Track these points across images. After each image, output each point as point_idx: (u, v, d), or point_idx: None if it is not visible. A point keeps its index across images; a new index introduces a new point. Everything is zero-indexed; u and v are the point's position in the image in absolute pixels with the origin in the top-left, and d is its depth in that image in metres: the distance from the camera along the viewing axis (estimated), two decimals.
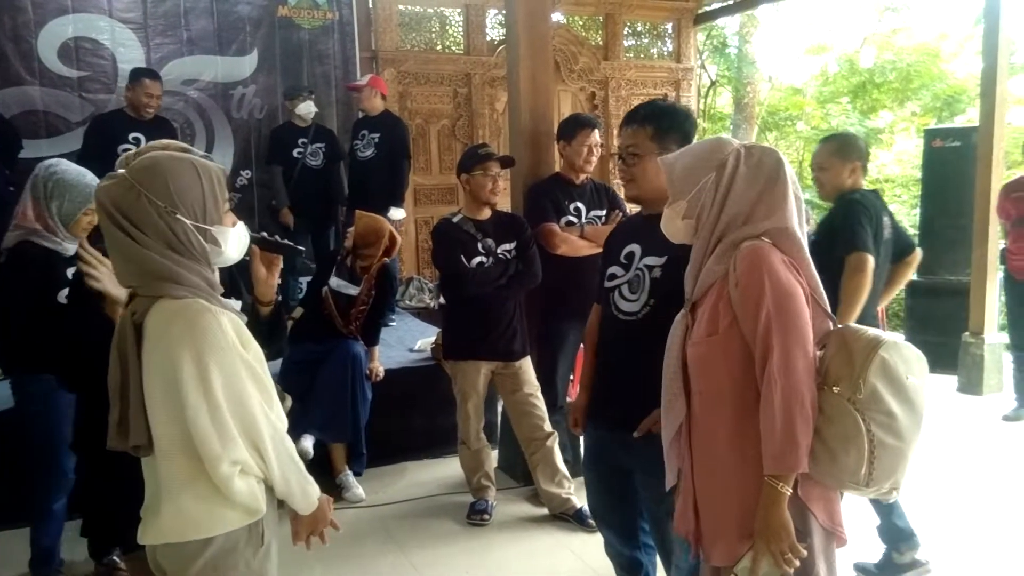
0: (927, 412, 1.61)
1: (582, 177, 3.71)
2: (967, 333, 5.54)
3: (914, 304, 6.38)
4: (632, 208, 3.40)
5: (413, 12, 7.01)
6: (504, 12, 5.74)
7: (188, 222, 1.54)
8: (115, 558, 2.79)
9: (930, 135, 6.48)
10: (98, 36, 5.56)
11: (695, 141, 1.94)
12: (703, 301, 1.73)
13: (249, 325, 1.79)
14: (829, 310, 1.73)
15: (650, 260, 2.18)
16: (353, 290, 3.90)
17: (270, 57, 6.07)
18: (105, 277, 2.05)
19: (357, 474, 3.95)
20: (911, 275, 3.61)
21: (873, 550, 3.00)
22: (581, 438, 2.69)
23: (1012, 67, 6.79)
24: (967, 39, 12.14)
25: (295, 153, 5.47)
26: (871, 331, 1.62)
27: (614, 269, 2.28)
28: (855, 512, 1.69)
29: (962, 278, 5.78)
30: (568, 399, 4.00)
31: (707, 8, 8.14)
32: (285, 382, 3.81)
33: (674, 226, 1.80)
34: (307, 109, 5.46)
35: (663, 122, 2.20)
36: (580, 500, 3.42)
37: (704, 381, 1.71)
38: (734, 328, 1.65)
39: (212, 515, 1.54)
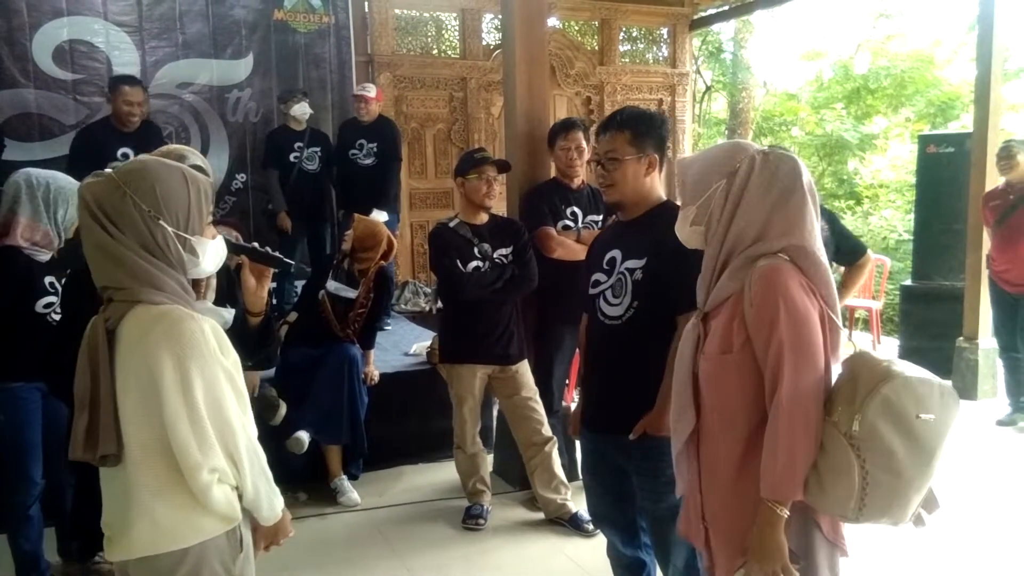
0: (943, 447, 1.52)
1: (578, 181, 3.72)
2: (961, 338, 5.55)
3: (908, 309, 6.40)
4: None
5: (409, 16, 7.02)
6: (500, 16, 5.75)
7: (170, 229, 1.53)
8: (99, 559, 2.77)
9: (924, 141, 6.49)
10: (93, 39, 5.53)
11: (716, 145, 1.91)
12: (716, 314, 1.69)
13: (239, 335, 1.79)
14: (843, 329, 1.68)
15: (630, 263, 2.20)
16: (351, 293, 3.89)
17: (266, 61, 6.06)
18: None
19: (353, 478, 3.95)
20: (864, 277, 3.65)
21: (878, 556, 3.02)
22: (577, 442, 2.70)
23: (1006, 73, 6.83)
24: (961, 45, 12.22)
25: (291, 157, 5.45)
26: (884, 363, 1.52)
27: (598, 275, 2.30)
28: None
29: (956, 283, 5.79)
30: (564, 403, 4.00)
31: (702, 14, 8.17)
32: (281, 385, 3.83)
33: (683, 232, 1.78)
34: (302, 111, 5.44)
35: (640, 126, 2.24)
36: (576, 505, 3.41)
37: (716, 397, 1.69)
38: (748, 347, 1.61)
39: (188, 524, 1.51)
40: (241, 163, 6.03)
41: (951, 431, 1.53)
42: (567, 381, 3.98)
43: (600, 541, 2.52)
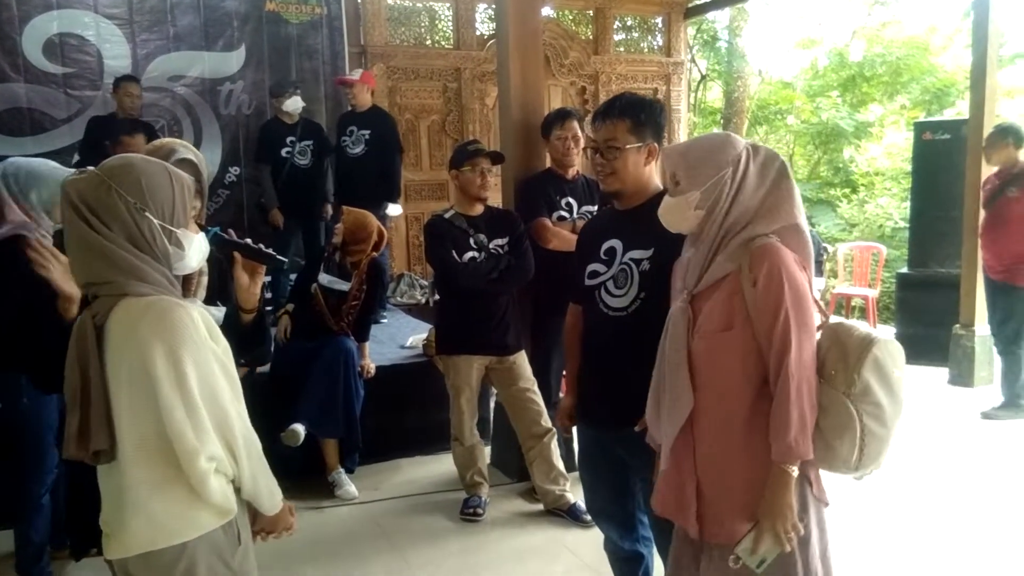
0: (909, 401, 1.75)
1: (573, 172, 3.70)
2: (958, 325, 5.55)
3: (904, 297, 6.41)
4: None
5: (402, 7, 6.97)
6: (494, 6, 5.72)
7: (156, 221, 1.54)
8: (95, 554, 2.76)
9: (920, 128, 6.49)
10: (83, 32, 5.48)
11: (704, 135, 1.95)
12: (708, 295, 1.76)
13: (232, 331, 1.78)
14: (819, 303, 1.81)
15: (636, 253, 2.18)
16: (344, 286, 3.88)
17: (258, 52, 6.01)
18: (56, 271, 2.04)
19: (350, 471, 3.94)
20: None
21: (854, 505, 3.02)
22: (575, 434, 2.68)
23: (1001, 59, 6.81)
24: (956, 32, 12.20)
25: (283, 152, 5.42)
26: (863, 328, 1.74)
27: (595, 266, 2.27)
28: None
29: (952, 270, 5.79)
30: (562, 394, 3.99)
31: (697, 2, 8.14)
32: (277, 379, 3.81)
33: (679, 215, 1.81)
34: (294, 105, 5.41)
35: (640, 114, 2.21)
36: (575, 496, 3.41)
37: (714, 375, 1.75)
38: (747, 323, 1.70)
39: (184, 519, 1.51)
40: (234, 156, 5.99)
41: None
42: (564, 372, 3.97)
43: (599, 531, 2.51)
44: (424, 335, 4.51)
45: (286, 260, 2.02)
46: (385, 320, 5.55)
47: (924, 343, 5.64)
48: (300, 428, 3.65)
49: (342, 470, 3.87)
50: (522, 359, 3.52)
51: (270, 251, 1.92)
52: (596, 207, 3.69)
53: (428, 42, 7.12)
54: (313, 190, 5.56)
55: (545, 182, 3.69)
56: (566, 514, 3.46)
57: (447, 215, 3.46)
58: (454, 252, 3.35)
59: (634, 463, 2.21)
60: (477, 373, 3.49)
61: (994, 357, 5.27)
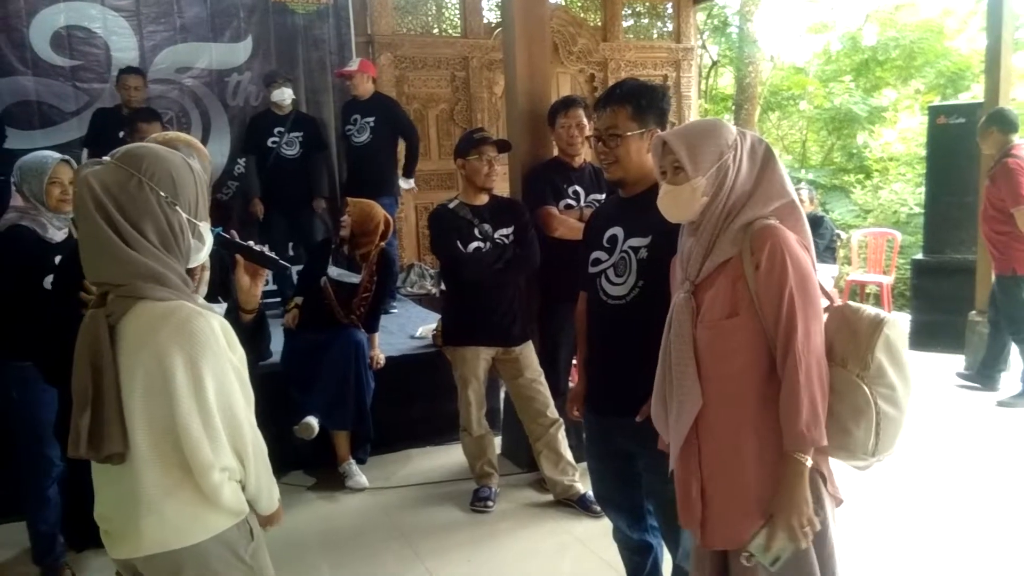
0: (924, 388, 1.70)
1: (579, 160, 3.67)
2: (974, 312, 5.48)
3: (920, 283, 6.34)
4: None
5: None
6: None
7: (184, 215, 1.51)
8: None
9: (934, 112, 6.39)
10: (90, 24, 5.47)
11: (695, 121, 1.91)
12: (711, 283, 1.71)
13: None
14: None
15: (634, 241, 2.16)
16: (355, 278, 3.87)
17: (264, 43, 5.96)
18: None
19: (361, 462, 3.94)
20: None
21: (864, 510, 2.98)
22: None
23: (1016, 42, 6.70)
24: (971, 15, 12.01)
25: (269, 142, 5.42)
26: (870, 309, 1.69)
27: (598, 254, 2.25)
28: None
29: (968, 256, 5.72)
30: (571, 383, 3.97)
31: None
32: (288, 370, 3.81)
33: (687, 205, 1.74)
34: (281, 96, 5.40)
35: (642, 100, 2.18)
36: (585, 486, 3.39)
37: (720, 365, 1.70)
38: (752, 308, 1.65)
39: (197, 521, 1.50)
40: (242, 147, 5.96)
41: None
42: (573, 361, 3.95)
43: (609, 522, 2.49)
44: (434, 325, 4.50)
45: (289, 266, 2.01)
46: (395, 310, 5.54)
47: (940, 330, 5.58)
48: (314, 421, 3.66)
49: (353, 461, 3.87)
50: (528, 350, 3.50)
51: (273, 255, 1.89)
52: (604, 195, 3.66)
53: (435, 31, 7.07)
54: (300, 182, 5.53)
55: (552, 170, 3.67)
56: (576, 504, 3.45)
57: (451, 205, 3.43)
58: (459, 242, 3.33)
59: (637, 451, 2.19)
60: (484, 364, 3.47)
61: (1011, 344, 5.20)
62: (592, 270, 2.26)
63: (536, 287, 3.71)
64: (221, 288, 2.10)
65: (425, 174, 6.80)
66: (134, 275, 1.44)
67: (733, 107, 12.79)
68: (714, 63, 13.21)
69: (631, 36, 7.83)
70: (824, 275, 6.60)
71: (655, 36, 7.99)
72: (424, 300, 6.05)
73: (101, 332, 1.44)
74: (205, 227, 1.58)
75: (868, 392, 1.60)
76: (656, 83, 2.28)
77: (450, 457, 4.06)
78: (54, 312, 1.94)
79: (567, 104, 3.64)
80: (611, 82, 7.39)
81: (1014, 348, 4.97)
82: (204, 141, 5.84)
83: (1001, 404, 4.76)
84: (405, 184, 5.66)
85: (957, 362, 5.43)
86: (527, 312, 3.60)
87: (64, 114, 5.41)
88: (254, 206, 5.51)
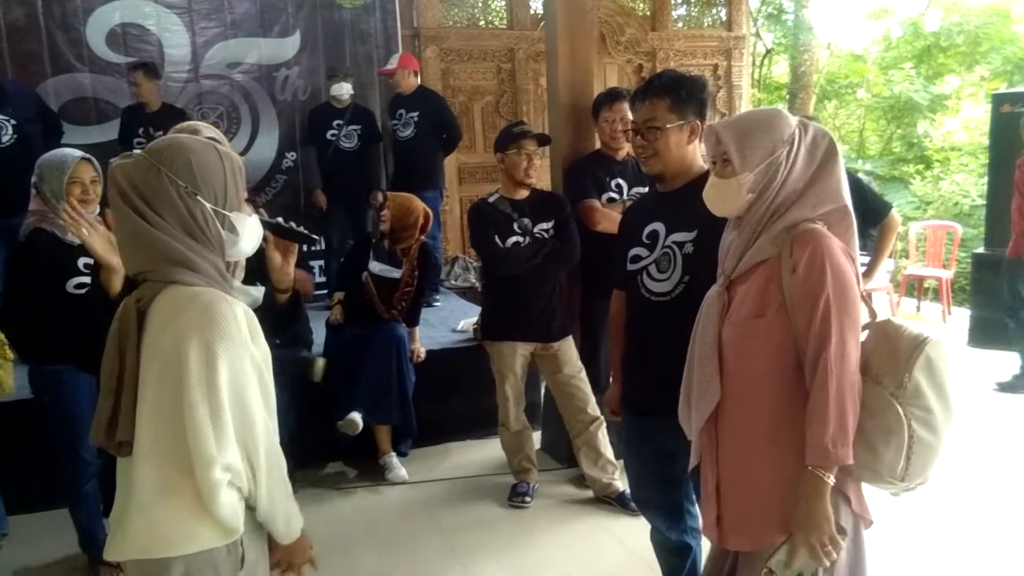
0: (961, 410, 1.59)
1: (623, 153, 3.61)
2: None
3: (980, 278, 6.10)
4: None
5: None
6: None
7: (208, 205, 1.47)
8: None
9: (998, 100, 6.14)
10: (144, 22, 5.60)
11: (753, 110, 1.83)
12: (744, 280, 1.66)
13: (267, 312, 1.76)
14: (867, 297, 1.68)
15: (679, 236, 2.10)
16: (396, 273, 3.88)
17: (312, 38, 6.04)
18: (97, 240, 2.03)
19: (402, 455, 3.96)
20: (891, 238, 3.81)
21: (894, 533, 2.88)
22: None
23: None
24: None
25: (328, 135, 5.51)
26: (914, 328, 1.58)
27: (637, 250, 2.20)
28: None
29: None
30: (612, 380, 3.92)
31: None
32: (330, 365, 3.84)
33: (730, 200, 1.69)
34: (339, 91, 5.49)
35: (681, 91, 2.12)
36: (624, 484, 3.34)
37: (743, 363, 1.65)
38: (782, 312, 1.59)
39: (185, 532, 1.41)
40: (291, 142, 6.05)
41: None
42: None
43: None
44: (475, 319, 4.49)
45: (317, 237, 2.01)
46: (438, 303, 5.56)
47: (1001, 327, 5.35)
48: (358, 417, 3.67)
49: (393, 454, 3.89)
50: (567, 345, 3.46)
51: (301, 229, 1.89)
52: (647, 188, 3.60)
53: (481, 23, 7.05)
54: (358, 174, 5.60)
55: (594, 163, 3.62)
56: (615, 502, 3.41)
57: (491, 199, 3.41)
58: (497, 237, 3.30)
59: (681, 452, 2.14)
60: (521, 359, 3.45)
61: None
62: (631, 267, 2.21)
63: (577, 282, 3.67)
64: (258, 273, 2.10)
65: (470, 167, 6.81)
66: (163, 259, 1.43)
67: (787, 96, 12.49)
68: (768, 51, 12.90)
69: (681, 25, 7.69)
70: (879, 269, 6.41)
71: (706, 24, 7.84)
72: (468, 293, 6.06)
73: (130, 317, 1.44)
74: (239, 218, 1.54)
75: (901, 412, 1.52)
76: (696, 74, 2.20)
77: (490, 451, 4.05)
78: (88, 306, 1.98)
79: (612, 97, 3.58)
80: (669, 69, 7.30)
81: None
82: (253, 136, 5.97)
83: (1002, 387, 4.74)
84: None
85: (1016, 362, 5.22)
86: (567, 307, 3.56)
87: (118, 110, 5.53)
88: (316, 197, 5.63)
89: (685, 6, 7.86)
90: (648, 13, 7.50)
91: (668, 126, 2.10)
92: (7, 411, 3.16)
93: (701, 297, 1.97)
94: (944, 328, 6.70)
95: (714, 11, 7.87)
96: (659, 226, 2.16)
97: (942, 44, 11.68)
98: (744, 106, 7.84)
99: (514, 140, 3.33)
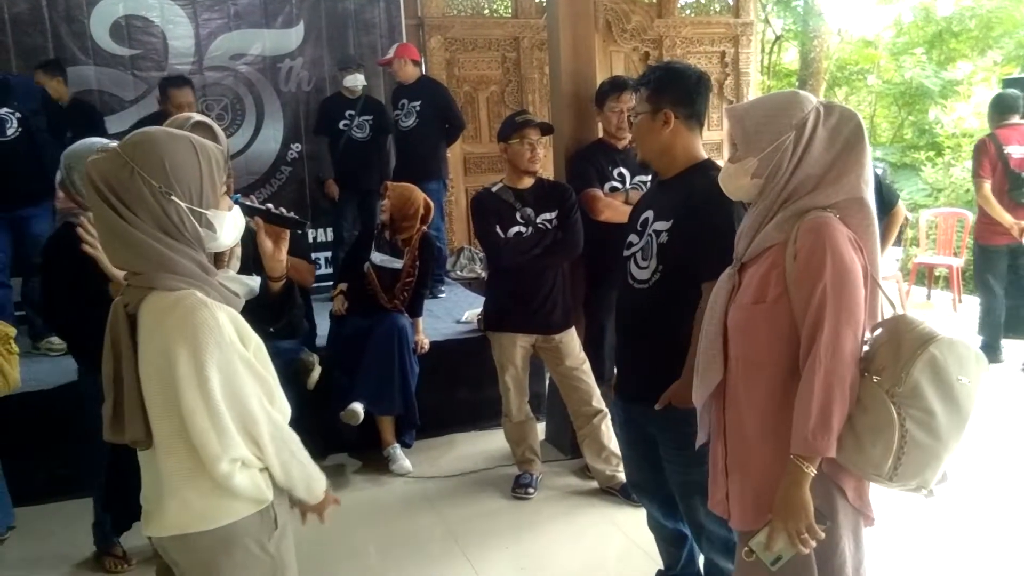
0: (974, 414, 1.52)
1: (625, 142, 3.58)
2: None
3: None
4: None
5: None
6: None
7: (183, 204, 1.46)
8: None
9: (1008, 85, 6.04)
10: (148, 14, 5.59)
11: (770, 94, 1.80)
12: (753, 264, 1.66)
13: (260, 301, 1.75)
14: (886, 291, 1.65)
15: (658, 225, 2.14)
16: (397, 263, 3.87)
17: (316, 29, 6.02)
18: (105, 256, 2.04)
19: (407, 446, 3.95)
20: (895, 229, 3.95)
21: (906, 528, 2.90)
22: None
23: None
24: None
25: (341, 125, 5.50)
26: (927, 325, 1.53)
27: (631, 237, 2.25)
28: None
29: None
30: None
31: None
32: (333, 355, 3.84)
33: (736, 183, 1.69)
34: (352, 82, 5.47)
35: (660, 81, 2.15)
36: None
37: (744, 347, 1.66)
38: (783, 299, 1.58)
39: (218, 507, 1.50)
40: (295, 133, 6.04)
41: (979, 397, 1.53)
42: None
43: None
44: (479, 310, 4.47)
45: (307, 221, 1.99)
46: (443, 294, 5.56)
47: (1011, 316, 5.29)
48: (359, 407, 3.67)
49: (397, 445, 3.89)
50: (569, 337, 3.45)
51: (291, 214, 1.89)
52: (650, 177, 3.57)
53: (486, 11, 7.00)
54: (370, 164, 5.59)
55: (597, 152, 3.59)
56: (619, 493, 3.40)
57: (494, 188, 3.40)
58: (499, 227, 3.29)
59: (662, 439, 2.16)
60: (522, 351, 3.43)
61: None
62: (625, 253, 2.26)
63: (581, 272, 3.65)
64: (254, 263, 2.09)
65: (476, 157, 6.79)
66: (143, 260, 1.45)
67: (797, 83, 12.39)
68: (778, 38, 12.80)
69: (687, 12, 7.62)
70: (887, 257, 6.35)
71: (713, 11, 7.76)
72: (473, 284, 6.05)
73: (120, 320, 1.48)
74: (217, 214, 1.53)
75: (894, 411, 1.47)
76: (694, 68, 2.19)
77: (495, 442, 4.04)
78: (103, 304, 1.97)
79: (616, 88, 3.52)
80: (666, 60, 7.25)
81: None
82: (258, 128, 5.96)
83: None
84: None
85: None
86: (569, 299, 3.54)
87: (124, 102, 5.56)
88: (329, 188, 5.62)
89: None
90: (654, 0, 7.43)
91: (640, 114, 2.17)
92: (15, 404, 3.16)
93: (675, 287, 2.02)
94: (954, 316, 6.65)
95: None
96: (649, 213, 2.21)
97: (954, 29, 11.56)
98: (752, 93, 7.77)
99: (517, 129, 3.31)
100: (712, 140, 7.00)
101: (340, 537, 3.12)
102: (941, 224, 7.64)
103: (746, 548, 1.60)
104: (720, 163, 1.85)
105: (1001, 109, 5.07)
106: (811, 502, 1.52)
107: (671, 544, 2.41)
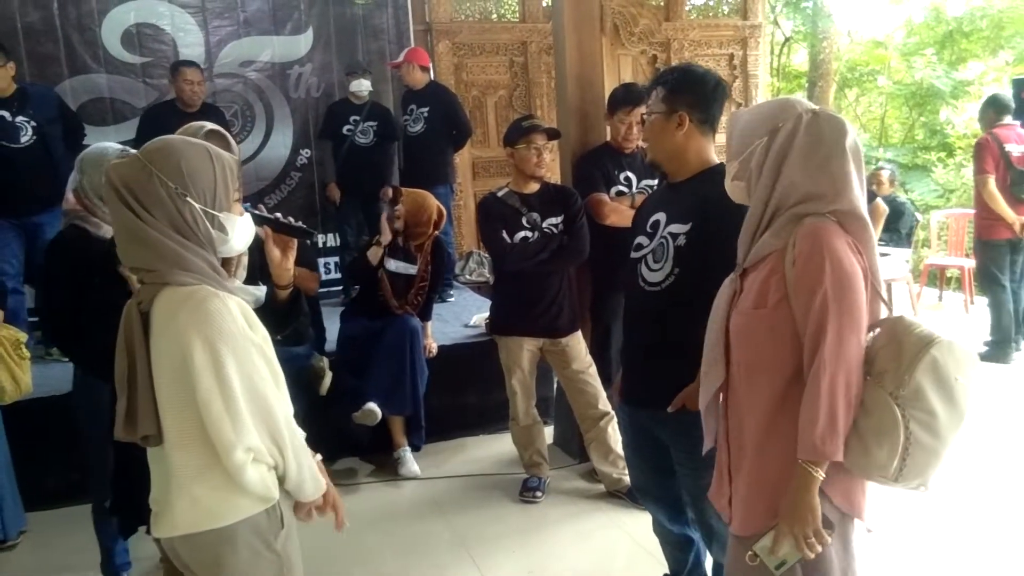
0: (969, 414, 1.53)
1: (632, 146, 3.59)
2: None
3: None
4: None
5: None
6: None
7: (197, 206, 1.54)
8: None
9: (1019, 85, 6.01)
10: (158, 22, 5.64)
11: (766, 101, 1.81)
12: (754, 270, 1.66)
13: (267, 309, 1.78)
14: (884, 294, 1.65)
15: (674, 228, 2.12)
16: (412, 269, 3.89)
17: (325, 35, 6.05)
18: None
19: (416, 448, 3.97)
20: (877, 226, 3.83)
21: (905, 528, 2.89)
22: None
23: None
24: None
25: (345, 130, 5.53)
26: (925, 327, 1.54)
27: (640, 239, 2.24)
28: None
29: None
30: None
31: None
32: (342, 358, 3.87)
33: (727, 185, 1.75)
34: (358, 87, 5.50)
35: (676, 83, 2.14)
36: None
37: (745, 352, 1.66)
38: (783, 305, 1.58)
39: (226, 504, 1.53)
40: (305, 139, 6.07)
41: (974, 396, 1.56)
42: None
43: None
44: (487, 314, 4.48)
45: (315, 231, 2.01)
46: (452, 299, 5.58)
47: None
48: (376, 408, 3.69)
49: (407, 448, 3.91)
50: (575, 341, 3.45)
51: (299, 224, 1.92)
52: (656, 181, 3.57)
53: (493, 16, 7.04)
54: (373, 170, 5.59)
55: (603, 156, 3.60)
56: (625, 497, 3.40)
57: (500, 193, 3.41)
58: (505, 232, 3.30)
59: (671, 443, 2.15)
60: (529, 355, 3.45)
61: None
62: (634, 255, 2.24)
63: (587, 276, 3.66)
64: (261, 271, 2.11)
65: (484, 161, 6.81)
66: (158, 258, 1.51)
67: (807, 85, 12.35)
68: (787, 39, 12.77)
69: (695, 15, 7.62)
70: (897, 258, 6.32)
71: (721, 13, 7.76)
72: (482, 288, 6.06)
73: (133, 319, 1.53)
74: (229, 217, 1.60)
75: (899, 413, 1.48)
76: (711, 72, 2.20)
77: (503, 446, 4.05)
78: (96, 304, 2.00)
79: (629, 101, 3.46)
80: (674, 63, 7.25)
81: None
82: (268, 134, 6.00)
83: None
84: None
85: None
86: (576, 302, 3.55)
87: (135, 110, 5.59)
88: (330, 191, 5.66)
89: None
90: (662, 3, 7.44)
91: (654, 114, 2.15)
92: (26, 409, 3.20)
93: (690, 291, 2.00)
94: (966, 317, 6.60)
95: (726, 1, 7.79)
96: (661, 216, 2.19)
97: (965, 29, 11.48)
98: (761, 96, 7.77)
99: (523, 134, 3.32)
100: (720, 143, 6.98)
101: (349, 540, 3.13)
102: (952, 225, 7.60)
103: (750, 552, 1.59)
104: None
105: (998, 109, 5.17)
106: (819, 507, 1.53)
107: (677, 549, 2.41)
